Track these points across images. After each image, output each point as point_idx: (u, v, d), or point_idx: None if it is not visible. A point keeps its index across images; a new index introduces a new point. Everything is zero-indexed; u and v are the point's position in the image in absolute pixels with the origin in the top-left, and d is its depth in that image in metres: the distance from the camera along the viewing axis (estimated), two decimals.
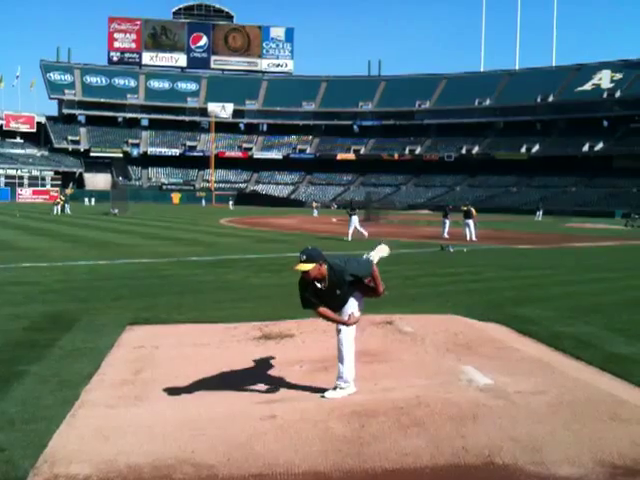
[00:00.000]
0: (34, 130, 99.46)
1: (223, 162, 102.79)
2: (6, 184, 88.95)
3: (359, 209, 26.89)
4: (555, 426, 4.83)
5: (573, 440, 4.57)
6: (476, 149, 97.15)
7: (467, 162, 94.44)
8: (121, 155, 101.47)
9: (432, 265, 17.32)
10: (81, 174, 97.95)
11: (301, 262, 5.27)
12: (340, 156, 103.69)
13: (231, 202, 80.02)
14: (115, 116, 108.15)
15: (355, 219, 26.41)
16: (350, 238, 25.48)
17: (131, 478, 3.96)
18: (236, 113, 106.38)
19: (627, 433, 4.72)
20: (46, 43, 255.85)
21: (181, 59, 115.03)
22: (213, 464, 4.16)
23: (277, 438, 4.57)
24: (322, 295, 5.50)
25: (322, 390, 5.62)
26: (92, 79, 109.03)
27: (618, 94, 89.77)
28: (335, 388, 5.58)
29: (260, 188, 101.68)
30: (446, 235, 27.48)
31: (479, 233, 27.54)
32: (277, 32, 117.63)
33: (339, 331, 5.65)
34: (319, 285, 5.46)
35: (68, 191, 76.37)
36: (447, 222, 28.42)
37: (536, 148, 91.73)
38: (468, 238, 26.58)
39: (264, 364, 6.53)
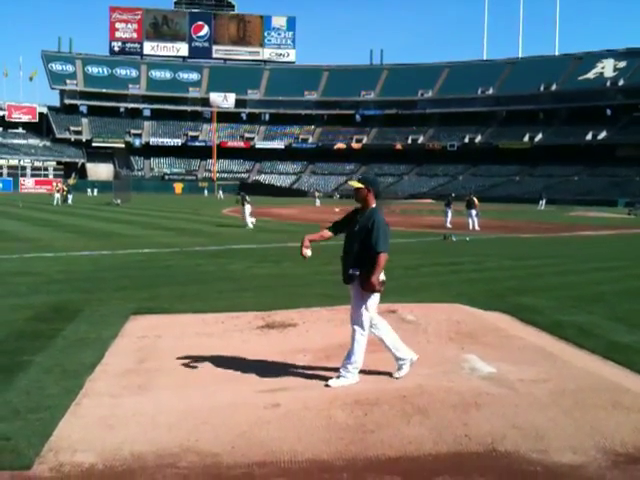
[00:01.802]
0: (36, 120, 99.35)
1: (225, 152, 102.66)
2: (9, 174, 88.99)
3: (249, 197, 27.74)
4: (557, 414, 4.84)
5: (575, 428, 4.59)
6: (479, 138, 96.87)
7: (470, 151, 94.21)
8: (123, 145, 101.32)
9: (435, 255, 17.32)
10: (83, 164, 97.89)
11: (357, 180, 5.72)
12: (342, 146, 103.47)
13: (220, 192, 79.71)
14: (117, 106, 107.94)
15: (248, 207, 26.54)
16: (251, 225, 25.88)
17: (136, 466, 3.99)
18: (238, 103, 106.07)
19: (629, 421, 4.74)
20: (47, 33, 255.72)
21: (183, 49, 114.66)
22: (217, 452, 4.18)
23: (281, 426, 4.59)
24: (350, 223, 5.70)
25: (325, 379, 5.63)
26: (94, 69, 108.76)
27: (621, 83, 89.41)
28: (339, 377, 5.60)
29: (262, 178, 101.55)
30: (449, 224, 27.46)
31: (482, 222, 27.54)
32: (279, 21, 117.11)
33: (353, 320, 5.64)
34: (358, 215, 5.69)
35: (71, 181, 76.36)
36: (449, 211, 28.40)
37: (539, 137, 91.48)
38: (471, 227, 26.60)
39: (267, 353, 6.55)
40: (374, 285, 5.42)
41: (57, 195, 47.65)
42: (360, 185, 5.63)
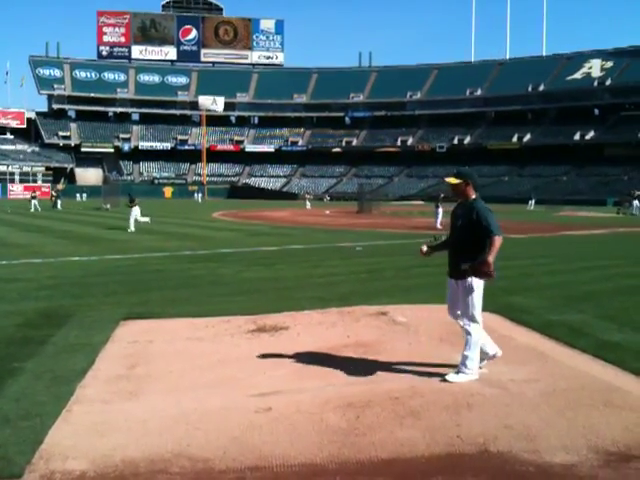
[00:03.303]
0: (24, 126, 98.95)
1: (215, 155, 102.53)
2: None
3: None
4: (549, 414, 4.86)
5: (567, 427, 4.60)
6: (468, 139, 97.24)
7: (459, 152, 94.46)
8: (112, 150, 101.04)
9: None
10: (72, 169, 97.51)
11: (452, 175, 5.68)
12: (332, 148, 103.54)
13: (200, 195, 79.31)
14: (105, 111, 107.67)
15: (136, 210, 26.35)
16: (133, 229, 25.65)
17: (127, 473, 3.96)
18: (227, 106, 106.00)
19: (620, 419, 4.75)
20: (35, 38, 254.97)
21: (171, 52, 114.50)
22: (209, 457, 4.16)
23: (273, 430, 4.57)
24: (453, 216, 5.73)
25: (318, 381, 5.62)
26: (82, 74, 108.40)
27: (609, 82, 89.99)
28: (458, 372, 5.58)
29: (252, 181, 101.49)
30: (439, 225, 27.49)
31: None
32: (267, 24, 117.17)
33: (464, 315, 5.63)
34: (458, 210, 5.70)
35: (60, 187, 76.01)
36: (440, 212, 28.43)
37: (527, 137, 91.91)
38: None
39: (259, 357, 6.53)
40: (489, 265, 5.41)
41: (34, 202, 46.98)
42: (458, 180, 5.66)
